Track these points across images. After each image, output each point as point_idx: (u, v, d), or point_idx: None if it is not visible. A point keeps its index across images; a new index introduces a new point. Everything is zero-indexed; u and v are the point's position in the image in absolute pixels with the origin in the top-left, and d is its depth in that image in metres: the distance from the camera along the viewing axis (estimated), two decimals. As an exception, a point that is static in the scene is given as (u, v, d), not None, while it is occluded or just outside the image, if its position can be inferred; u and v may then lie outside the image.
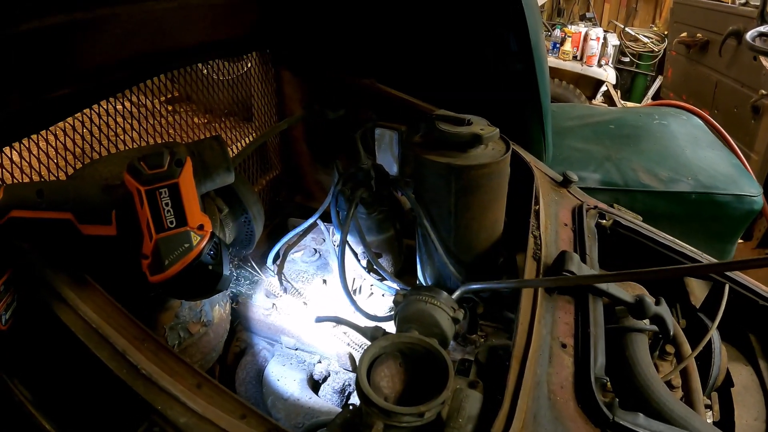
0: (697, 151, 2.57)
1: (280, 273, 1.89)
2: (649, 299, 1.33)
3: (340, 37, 2.16)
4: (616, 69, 6.81)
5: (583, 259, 1.44)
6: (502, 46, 1.88)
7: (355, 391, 1.07)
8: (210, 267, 1.15)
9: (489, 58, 1.96)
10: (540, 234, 1.45)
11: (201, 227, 1.14)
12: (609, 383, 1.19)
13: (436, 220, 1.48)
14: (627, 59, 7.16)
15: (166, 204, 1.13)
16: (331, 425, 1.06)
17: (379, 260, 1.77)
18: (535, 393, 1.06)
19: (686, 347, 1.56)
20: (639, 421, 1.06)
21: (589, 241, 1.53)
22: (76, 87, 1.46)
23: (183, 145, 1.34)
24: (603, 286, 1.31)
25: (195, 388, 1.00)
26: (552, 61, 6.07)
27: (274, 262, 1.94)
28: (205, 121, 2.40)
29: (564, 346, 1.18)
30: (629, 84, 7.24)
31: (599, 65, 6.06)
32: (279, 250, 1.97)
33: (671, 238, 1.75)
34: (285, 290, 1.83)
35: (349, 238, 1.70)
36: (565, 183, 1.78)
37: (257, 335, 1.91)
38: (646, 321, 1.37)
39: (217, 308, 1.57)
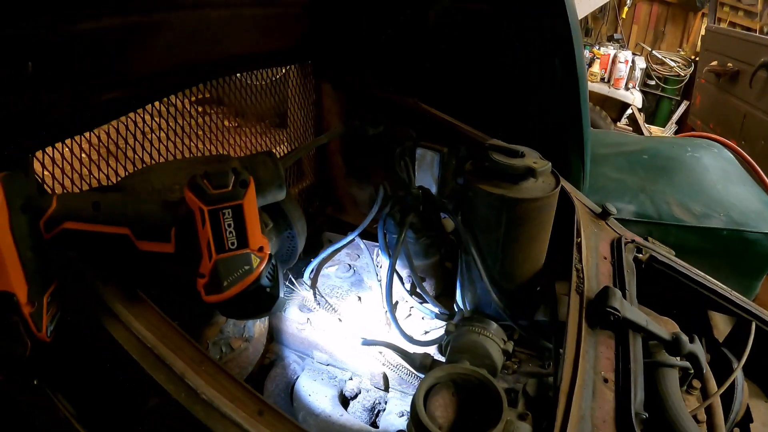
0: (728, 186, 2.59)
1: (314, 287, 1.90)
2: (685, 337, 1.35)
3: (385, 54, 2.18)
4: (642, 92, 6.81)
5: (624, 295, 1.46)
6: (547, 72, 1.89)
7: (409, 418, 1.08)
8: (268, 290, 1.15)
9: (533, 84, 1.97)
10: (582, 267, 1.46)
11: (261, 249, 1.14)
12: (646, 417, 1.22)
13: (483, 248, 1.51)
14: (653, 82, 7.14)
15: (229, 225, 1.12)
16: None
17: (424, 284, 1.79)
18: (580, 426, 1.08)
19: (712, 383, 1.58)
20: None
21: (628, 276, 1.55)
22: (126, 91, 1.46)
23: (237, 160, 1.36)
24: (642, 322, 1.33)
25: (257, 415, 1.00)
26: (580, 82, 6.07)
27: (308, 276, 1.96)
28: (236, 125, 2.42)
29: (606, 380, 1.20)
30: (654, 107, 7.23)
31: (626, 88, 6.08)
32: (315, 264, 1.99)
33: (703, 274, 1.77)
34: (319, 305, 1.85)
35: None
36: (604, 215, 1.80)
37: (288, 348, 1.93)
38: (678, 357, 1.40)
39: (258, 323, 1.59)
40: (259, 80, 2.29)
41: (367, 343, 1.53)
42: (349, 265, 2.04)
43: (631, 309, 1.35)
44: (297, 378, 1.83)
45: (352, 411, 1.73)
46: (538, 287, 1.64)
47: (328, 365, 1.84)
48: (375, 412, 1.73)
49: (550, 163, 1.43)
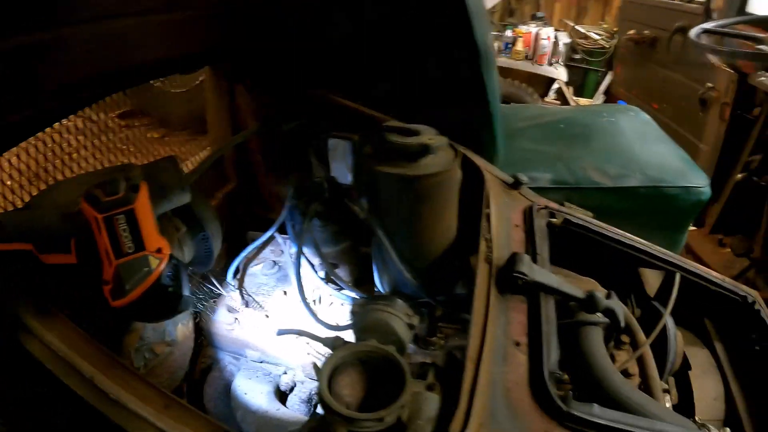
0: (645, 146, 2.64)
1: (240, 287, 1.90)
2: (600, 294, 1.38)
3: (293, 51, 2.17)
4: (568, 66, 6.89)
5: (534, 259, 1.48)
6: (448, 54, 1.91)
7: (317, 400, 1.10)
8: (170, 289, 1.17)
9: (436, 66, 1.98)
10: (491, 237, 1.48)
11: (159, 250, 1.16)
12: (566, 376, 1.24)
13: (390, 229, 1.51)
14: (578, 56, 7.24)
15: (124, 230, 1.14)
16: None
17: (337, 270, 1.80)
18: (491, 391, 1.09)
19: (641, 336, 1.61)
20: (594, 411, 1.10)
21: (540, 241, 1.57)
22: (37, 108, 1.44)
23: (138, 168, 1.35)
24: (554, 283, 1.36)
25: (163, 409, 1.02)
26: (504, 61, 6.14)
27: (234, 276, 1.95)
28: (159, 135, 2.39)
29: (518, 344, 1.22)
30: (581, 80, 7.33)
31: (550, 64, 6.15)
32: (238, 264, 1.99)
33: (621, 232, 1.81)
34: (246, 304, 1.85)
35: (306, 250, 1.72)
36: (516, 185, 1.81)
37: (222, 350, 1.92)
38: (599, 314, 1.42)
39: (181, 327, 1.58)
40: (178, 89, 2.26)
41: (281, 332, 1.53)
42: (274, 262, 2.05)
43: (541, 272, 1.37)
44: (233, 379, 1.83)
45: (290, 405, 1.74)
46: (456, 262, 1.65)
47: (261, 362, 1.85)
48: (313, 403, 1.74)
49: (446, 138, 1.44)
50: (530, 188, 2.04)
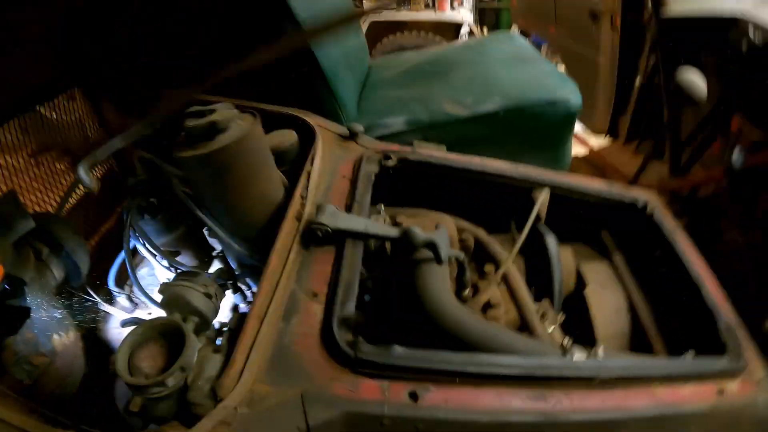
0: (510, 69, 2.61)
1: (131, 294, 1.92)
2: (416, 229, 1.35)
3: (137, 56, 2.12)
4: (479, 9, 6.88)
5: (351, 207, 1.46)
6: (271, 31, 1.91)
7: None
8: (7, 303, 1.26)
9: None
10: (307, 194, 1.45)
11: None
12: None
13: (209, 206, 1.51)
14: (487, -3, 7.27)
15: None
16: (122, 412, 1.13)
17: (180, 257, 1.81)
18: (275, 345, 1.09)
19: (502, 257, 1.58)
20: (393, 352, 1.09)
21: (361, 188, 1.54)
22: None
23: None
24: (360, 227, 1.33)
25: None
26: (406, 14, 6.07)
27: (122, 284, 1.96)
28: (65, 167, 2.35)
29: (315, 295, 1.20)
30: (495, 20, 7.32)
31: (452, 8, 6.10)
32: (126, 272, 2.00)
33: (479, 159, 1.79)
34: (136, 305, 1.88)
35: (149, 246, 1.76)
36: (352, 136, 1.78)
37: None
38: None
39: (56, 337, 1.58)
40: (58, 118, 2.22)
41: (123, 323, 1.61)
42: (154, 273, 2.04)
43: (347, 219, 1.35)
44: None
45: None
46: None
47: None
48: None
49: (236, 110, 1.41)
50: (386, 135, 2.02)
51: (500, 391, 1.10)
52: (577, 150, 3.92)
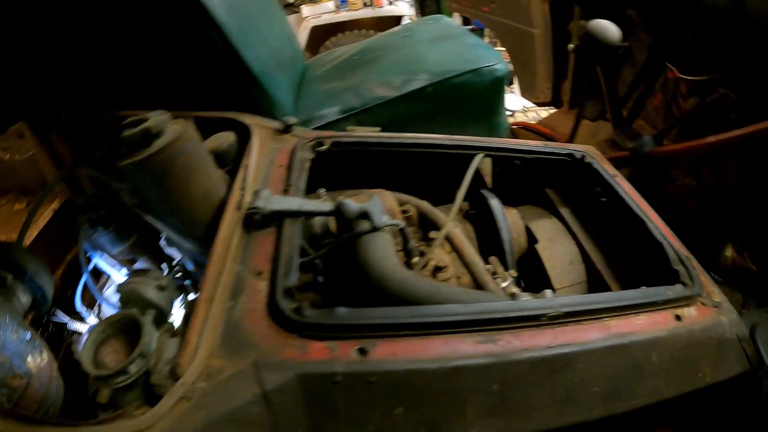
0: (435, 48, 2.66)
1: (99, 314, 2.00)
2: (349, 202, 1.41)
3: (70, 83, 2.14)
4: (419, 1, 6.96)
5: (287, 192, 1.52)
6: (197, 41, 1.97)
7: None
8: None
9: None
10: (246, 185, 1.50)
11: None
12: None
13: (156, 210, 1.56)
14: (428, -14, 7.34)
15: None
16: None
17: (137, 264, 1.86)
18: (225, 323, 1.13)
19: (444, 221, 1.64)
20: (337, 313, 1.13)
21: (296, 173, 1.59)
22: None
23: None
24: (294, 207, 1.39)
25: None
26: (346, 15, 6.11)
27: (86, 305, 2.00)
28: (24, 206, 2.37)
29: (259, 273, 1.25)
30: (436, 10, 7.39)
31: (390, 3, 6.16)
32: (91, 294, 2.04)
33: (405, 135, 1.84)
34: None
35: (106, 257, 1.81)
36: (286, 129, 1.83)
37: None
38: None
39: (30, 359, 1.60)
40: (20, 155, 2.23)
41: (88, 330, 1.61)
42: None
43: (281, 200, 1.40)
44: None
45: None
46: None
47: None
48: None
49: (167, 114, 1.44)
50: (322, 125, 2.08)
51: (447, 339, 1.14)
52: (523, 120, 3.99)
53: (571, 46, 3.74)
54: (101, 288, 2.13)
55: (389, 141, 1.80)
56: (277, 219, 1.39)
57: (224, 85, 2.08)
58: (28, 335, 1.59)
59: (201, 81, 2.07)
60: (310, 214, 1.42)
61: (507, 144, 1.90)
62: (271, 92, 2.13)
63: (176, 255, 1.88)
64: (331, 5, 6.20)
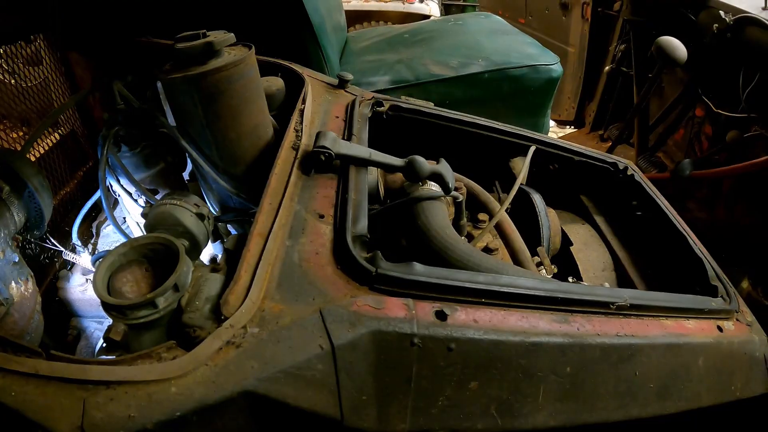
0: (492, 39, 2.64)
1: (95, 251, 1.86)
2: (420, 159, 1.32)
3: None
4: (445, 5, 6.93)
5: (350, 138, 1.42)
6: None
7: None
8: None
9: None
10: (302, 128, 1.40)
11: None
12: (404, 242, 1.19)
13: (196, 138, 1.40)
14: (453, -7, 7.34)
15: None
16: (98, 350, 1.00)
17: (158, 195, 1.70)
18: (283, 263, 1.00)
19: (496, 206, 1.56)
20: (413, 269, 1.01)
21: (358, 125, 1.50)
22: None
23: None
24: (365, 154, 1.28)
25: None
26: (374, 5, 6.06)
27: (83, 239, 1.87)
28: (22, 134, 2.25)
29: (322, 216, 1.14)
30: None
31: (421, 1, 6.12)
32: (92, 228, 1.96)
33: (462, 113, 1.76)
34: (92, 262, 1.76)
35: (123, 181, 1.64)
36: (341, 84, 1.75)
37: (85, 318, 1.87)
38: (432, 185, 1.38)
39: (14, 285, 1.46)
40: (27, 83, 2.12)
41: (95, 258, 1.45)
42: (124, 218, 1.95)
43: (349, 146, 1.30)
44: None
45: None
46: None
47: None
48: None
49: (232, 34, 1.34)
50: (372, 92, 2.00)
51: (525, 313, 1.05)
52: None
53: (607, 68, 3.76)
54: (100, 226, 2.02)
55: (447, 116, 1.72)
56: (341, 164, 1.28)
57: (279, 31, 1.99)
58: (16, 258, 1.45)
59: (255, 23, 1.98)
60: (379, 165, 1.31)
61: (558, 142, 1.84)
62: (325, 47, 2.06)
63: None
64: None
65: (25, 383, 0.75)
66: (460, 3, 7.32)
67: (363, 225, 1.11)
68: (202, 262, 1.13)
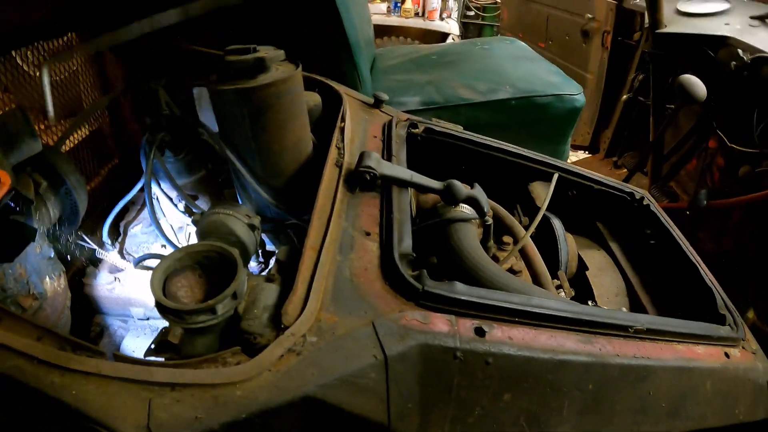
0: (517, 65, 2.69)
1: (122, 250, 1.85)
2: (458, 183, 1.39)
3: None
4: (463, 23, 6.99)
5: (390, 159, 1.49)
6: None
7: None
8: (11, 217, 1.16)
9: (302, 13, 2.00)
10: (344, 145, 1.47)
11: None
12: (434, 260, 1.26)
13: (239, 148, 1.48)
14: (472, 13, 7.36)
15: None
16: (147, 351, 1.04)
17: (198, 201, 1.78)
18: (335, 277, 1.07)
19: (520, 231, 1.63)
20: (455, 288, 1.09)
21: (396, 146, 1.57)
22: None
23: None
24: (406, 176, 1.36)
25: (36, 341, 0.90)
26: (395, 20, 6.10)
27: (114, 240, 1.91)
28: (44, 127, 2.30)
29: (368, 234, 1.21)
30: (477, 35, 7.43)
31: (441, 19, 6.18)
32: (120, 227, 1.95)
33: (490, 138, 1.83)
34: (128, 262, 1.81)
35: (164, 185, 1.70)
36: (377, 104, 1.81)
37: (109, 315, 1.88)
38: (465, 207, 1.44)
39: (48, 280, 1.51)
40: (57, 75, 2.16)
41: (137, 261, 1.50)
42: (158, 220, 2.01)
43: (391, 167, 1.37)
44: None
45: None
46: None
47: (147, 319, 1.80)
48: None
49: (283, 51, 1.42)
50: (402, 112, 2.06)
51: (553, 333, 1.12)
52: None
53: (625, 96, 3.81)
54: (128, 225, 2.07)
55: (476, 140, 1.78)
56: (383, 184, 1.36)
57: (317, 48, 2.04)
58: (51, 253, 1.50)
59: (293, 38, 2.04)
60: (419, 187, 1.38)
61: (578, 170, 1.90)
62: (359, 66, 2.12)
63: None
64: (383, 7, 6.19)
65: (85, 382, 0.80)
66: (479, 22, 7.39)
67: (408, 243, 1.19)
68: (250, 272, 1.19)
